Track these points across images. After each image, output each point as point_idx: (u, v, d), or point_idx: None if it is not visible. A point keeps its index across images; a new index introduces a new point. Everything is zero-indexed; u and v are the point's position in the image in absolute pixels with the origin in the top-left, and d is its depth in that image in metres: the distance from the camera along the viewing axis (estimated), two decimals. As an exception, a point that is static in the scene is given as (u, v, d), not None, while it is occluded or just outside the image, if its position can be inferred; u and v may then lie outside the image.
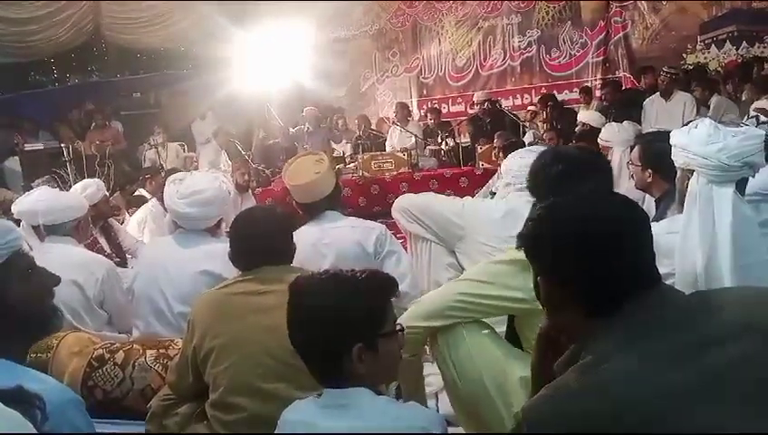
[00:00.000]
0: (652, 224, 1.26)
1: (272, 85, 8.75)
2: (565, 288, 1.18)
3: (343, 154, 7.43)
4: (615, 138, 4.04)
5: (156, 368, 2.25)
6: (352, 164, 6.81)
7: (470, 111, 8.69)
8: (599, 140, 4.43)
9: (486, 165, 6.08)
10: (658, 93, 6.75)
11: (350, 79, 10.57)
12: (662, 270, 1.21)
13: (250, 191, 5.71)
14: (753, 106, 5.30)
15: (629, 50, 9.12)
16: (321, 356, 1.36)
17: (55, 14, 8.93)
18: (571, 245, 1.15)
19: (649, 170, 2.49)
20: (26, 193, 3.25)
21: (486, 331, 1.89)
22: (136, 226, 4.67)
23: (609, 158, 3.48)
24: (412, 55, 10.32)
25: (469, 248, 2.62)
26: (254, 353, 1.80)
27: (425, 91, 10.34)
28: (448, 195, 4.46)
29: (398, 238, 2.92)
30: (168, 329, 2.54)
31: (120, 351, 2.32)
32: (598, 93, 8.12)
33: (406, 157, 6.52)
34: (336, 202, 2.87)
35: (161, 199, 3.49)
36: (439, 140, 7.13)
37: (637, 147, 2.61)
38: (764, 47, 8.27)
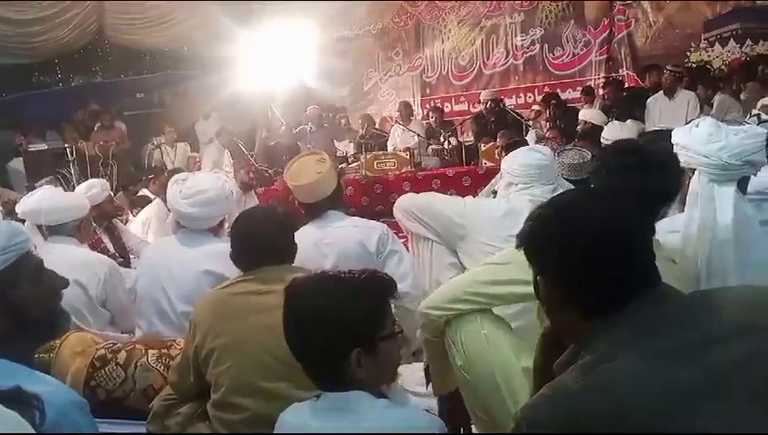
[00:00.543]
0: (653, 223, 1.26)
1: (275, 85, 8.76)
2: (567, 288, 1.17)
3: (346, 153, 7.43)
4: (617, 136, 4.03)
5: (158, 368, 2.26)
6: (355, 163, 6.81)
7: (473, 110, 8.69)
8: (601, 138, 4.43)
9: (489, 164, 6.07)
10: (662, 92, 6.71)
11: (353, 78, 10.58)
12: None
13: (253, 190, 5.71)
14: (759, 103, 5.28)
15: (633, 48, 9.09)
16: (319, 360, 1.32)
17: (59, 14, 8.96)
18: (579, 244, 1.13)
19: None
20: (29, 193, 3.26)
21: (499, 321, 1.86)
22: (140, 226, 4.68)
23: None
24: (415, 54, 10.32)
25: (471, 248, 2.62)
26: (255, 353, 1.80)
27: (428, 91, 10.34)
28: (451, 194, 4.47)
29: (400, 238, 2.92)
30: (171, 329, 2.55)
31: (123, 351, 2.32)
32: (601, 92, 8.09)
33: (408, 156, 6.51)
34: (338, 202, 2.87)
35: (165, 199, 3.50)
36: (442, 139, 7.11)
37: (639, 146, 2.61)
38: (769, 45, 8.25)
